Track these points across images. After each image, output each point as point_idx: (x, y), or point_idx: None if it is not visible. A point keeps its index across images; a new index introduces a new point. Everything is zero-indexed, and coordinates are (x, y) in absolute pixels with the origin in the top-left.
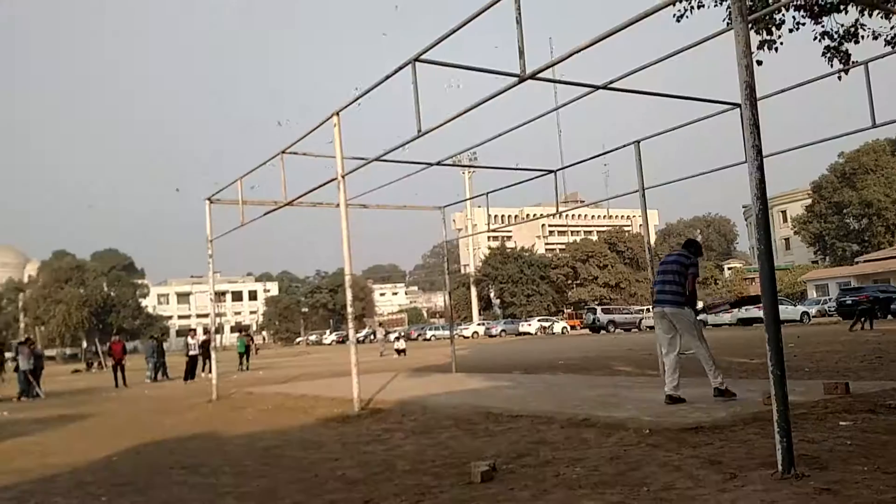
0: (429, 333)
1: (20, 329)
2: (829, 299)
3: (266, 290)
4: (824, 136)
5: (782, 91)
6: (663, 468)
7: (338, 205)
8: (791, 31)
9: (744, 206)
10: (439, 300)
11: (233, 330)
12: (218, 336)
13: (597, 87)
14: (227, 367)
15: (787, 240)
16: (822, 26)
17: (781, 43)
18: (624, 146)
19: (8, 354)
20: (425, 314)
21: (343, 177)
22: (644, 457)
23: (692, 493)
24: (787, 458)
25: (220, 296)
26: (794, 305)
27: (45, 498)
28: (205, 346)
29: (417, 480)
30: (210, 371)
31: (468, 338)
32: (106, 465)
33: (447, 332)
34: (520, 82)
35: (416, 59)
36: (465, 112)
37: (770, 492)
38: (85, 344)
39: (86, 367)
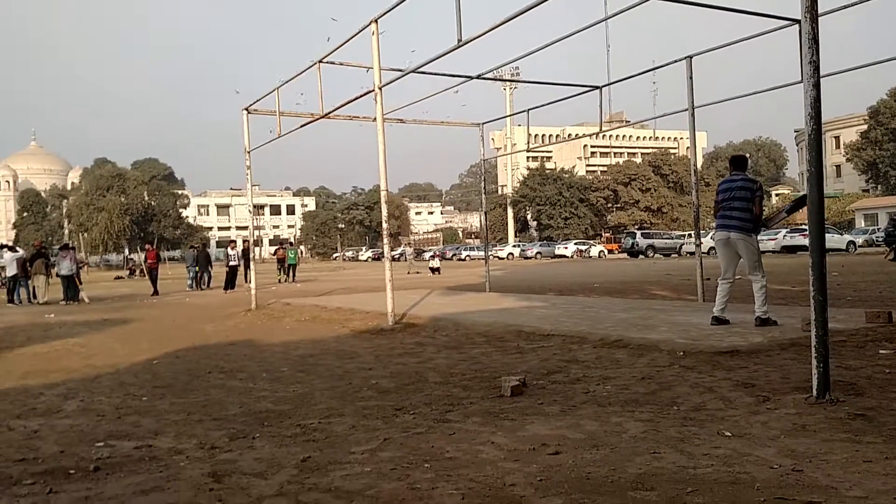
0: (464, 254)
1: (65, 235)
2: (878, 229)
3: (304, 206)
4: (887, 57)
5: (845, 7)
6: (695, 389)
7: (374, 118)
8: None
9: (795, 131)
10: (475, 220)
11: (271, 243)
12: (256, 249)
13: None
14: (266, 278)
15: (838, 167)
16: None
17: None
18: (675, 61)
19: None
20: (461, 234)
21: (380, 88)
22: (676, 378)
23: (722, 415)
24: (823, 382)
25: (258, 209)
26: (841, 234)
27: (89, 395)
28: (245, 256)
29: (448, 392)
30: (250, 281)
31: (503, 259)
32: (147, 368)
33: (482, 253)
34: None
35: None
36: (507, 20)
37: (802, 415)
38: (127, 251)
39: (128, 273)
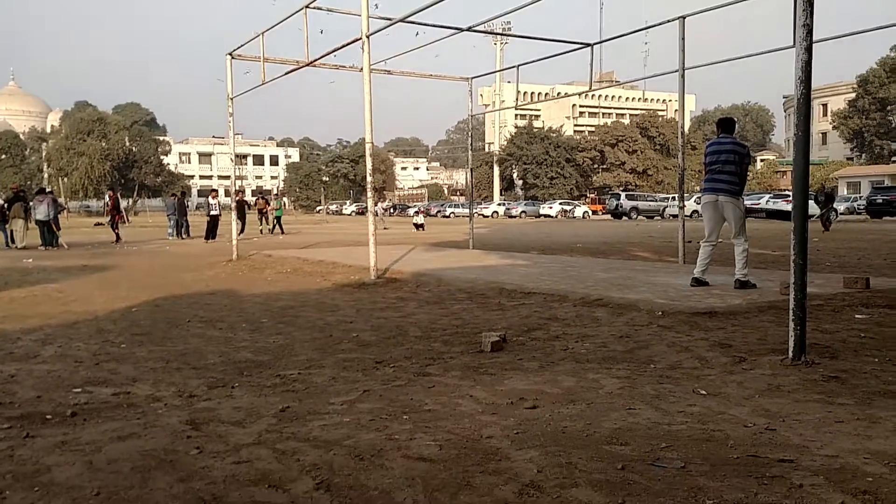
0: (448, 210)
1: (44, 179)
2: (860, 197)
3: (287, 157)
4: (879, 25)
5: None
6: (672, 348)
7: (361, 69)
8: None
9: (784, 97)
10: (461, 178)
11: (253, 193)
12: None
13: None
14: (249, 228)
15: (824, 134)
16: None
17: None
18: (668, 21)
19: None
20: (446, 191)
21: (368, 37)
22: (653, 337)
23: (698, 373)
24: (799, 345)
25: (241, 158)
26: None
27: (67, 342)
28: (240, 207)
29: (428, 346)
30: (242, 232)
31: (488, 217)
32: (125, 315)
33: (467, 210)
34: None
35: None
36: None
37: (777, 376)
38: (107, 197)
39: (108, 219)
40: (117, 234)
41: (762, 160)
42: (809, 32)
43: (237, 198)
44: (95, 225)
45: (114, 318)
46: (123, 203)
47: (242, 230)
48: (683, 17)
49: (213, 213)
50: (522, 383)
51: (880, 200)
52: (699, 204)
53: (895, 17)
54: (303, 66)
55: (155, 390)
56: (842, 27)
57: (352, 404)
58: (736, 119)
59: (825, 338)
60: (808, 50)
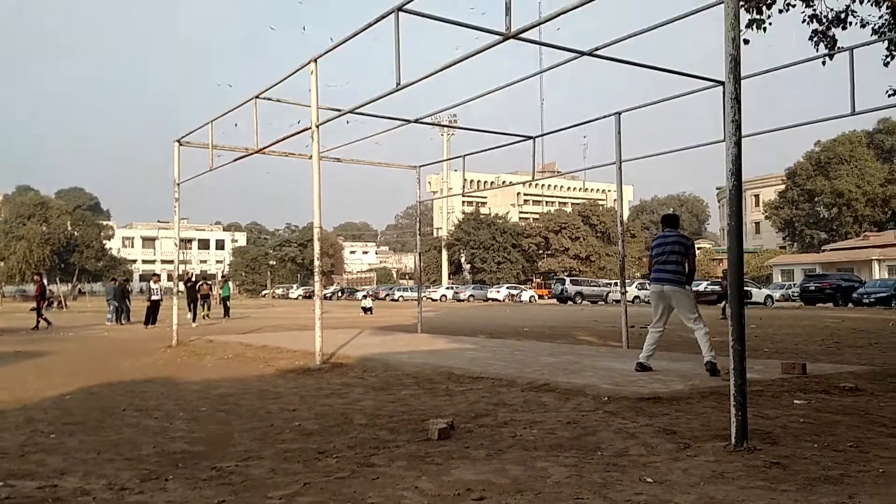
0: (397, 294)
1: None
2: (794, 284)
3: (234, 241)
4: (803, 121)
5: (767, 71)
6: (618, 435)
7: (311, 156)
8: (781, 11)
9: (717, 188)
10: (409, 262)
11: (196, 278)
12: (181, 283)
13: (582, 53)
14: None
15: (757, 224)
16: (813, 9)
17: (770, 23)
18: (605, 116)
19: None
20: (395, 275)
21: (317, 126)
22: (600, 423)
23: (645, 461)
24: (741, 431)
25: (186, 242)
26: (759, 288)
27: None
28: (193, 290)
29: (373, 434)
30: (207, 316)
31: (436, 300)
32: (57, 404)
33: (415, 294)
34: (504, 40)
35: (400, 8)
36: (445, 67)
37: (721, 463)
38: (45, 282)
39: (46, 304)
40: (38, 321)
41: (698, 248)
42: (738, 128)
43: (193, 280)
44: (31, 310)
45: (45, 407)
46: (64, 288)
47: (195, 315)
48: (619, 113)
49: (154, 297)
50: (469, 473)
51: (813, 287)
52: (645, 290)
53: (820, 113)
54: (252, 153)
55: (84, 483)
56: (771, 121)
57: (291, 499)
58: (671, 210)
59: (766, 423)
60: (738, 144)
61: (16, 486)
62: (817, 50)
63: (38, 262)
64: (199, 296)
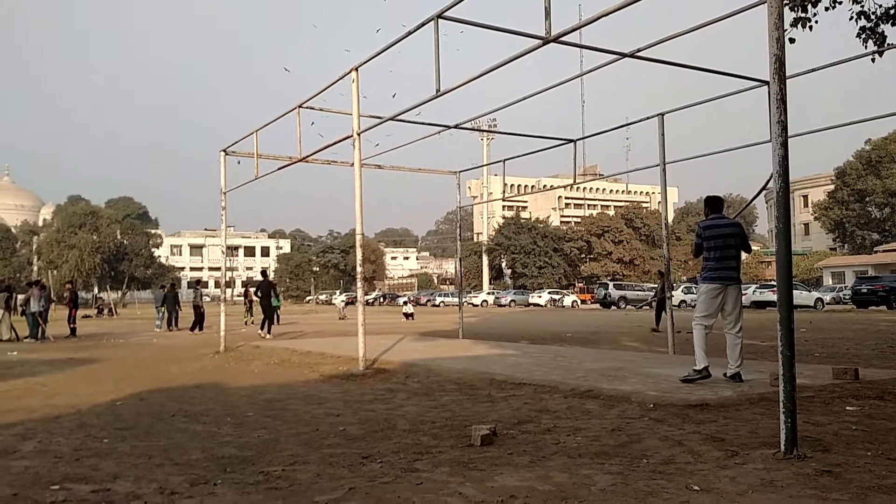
0: (438, 300)
1: (33, 272)
2: (845, 287)
3: (278, 248)
4: (852, 120)
5: (813, 70)
6: (664, 442)
7: (352, 164)
8: (827, 9)
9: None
10: (450, 267)
11: (243, 284)
12: (228, 290)
13: (623, 55)
14: (236, 320)
15: (806, 225)
16: (861, 5)
17: (816, 21)
18: (648, 118)
19: (20, 297)
20: (435, 280)
21: (359, 134)
22: (646, 430)
23: (691, 468)
24: (791, 438)
25: (232, 250)
26: (809, 291)
27: (48, 437)
28: (246, 296)
29: (417, 440)
30: (251, 322)
31: (477, 306)
32: (109, 409)
33: (456, 300)
34: (544, 44)
35: (440, 16)
36: (485, 73)
37: (770, 471)
38: (96, 290)
39: (97, 312)
40: (72, 329)
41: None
42: (784, 129)
43: (244, 288)
44: (84, 317)
45: (97, 412)
46: (114, 295)
47: (251, 319)
48: (662, 115)
49: (196, 304)
50: (513, 479)
51: (865, 290)
52: (691, 294)
53: (869, 111)
54: (295, 162)
55: (136, 487)
56: (819, 118)
57: (337, 503)
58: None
59: (817, 430)
60: (784, 145)
61: (71, 490)
62: (865, 47)
63: (88, 269)
64: (248, 302)
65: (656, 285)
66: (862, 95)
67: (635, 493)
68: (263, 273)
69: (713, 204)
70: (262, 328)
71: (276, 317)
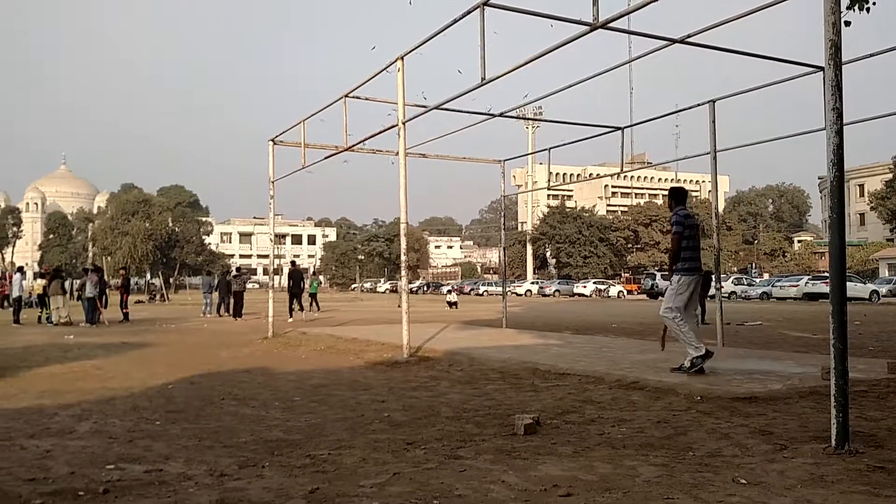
0: (482, 289)
1: (88, 258)
2: None
3: (325, 236)
4: None
5: (870, 56)
6: (711, 435)
7: (397, 153)
8: None
9: (819, 178)
10: (494, 256)
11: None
12: (276, 277)
13: (673, 41)
14: (283, 306)
15: (862, 215)
16: None
17: (874, 3)
18: (698, 105)
19: (76, 282)
20: (479, 269)
21: (404, 124)
22: (692, 422)
23: (738, 462)
24: (842, 433)
25: (280, 238)
26: (864, 283)
27: (103, 418)
28: (294, 279)
29: (460, 428)
30: (301, 308)
31: (521, 295)
32: (161, 393)
33: (500, 289)
34: (591, 30)
35: (485, 3)
36: (531, 60)
37: (820, 466)
38: (149, 276)
39: (149, 298)
40: (124, 313)
41: (799, 241)
42: (839, 116)
43: (294, 268)
44: (136, 303)
45: (150, 395)
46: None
47: (301, 306)
48: (713, 101)
49: (235, 289)
50: (556, 469)
51: None
52: (742, 286)
53: None
54: (342, 151)
55: (187, 468)
56: (876, 107)
57: (381, 487)
58: (769, 202)
59: (869, 426)
60: (839, 133)
61: (125, 469)
62: None
63: (141, 256)
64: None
65: None
66: None
67: (681, 486)
68: (293, 263)
69: (681, 196)
70: (291, 313)
71: (314, 303)
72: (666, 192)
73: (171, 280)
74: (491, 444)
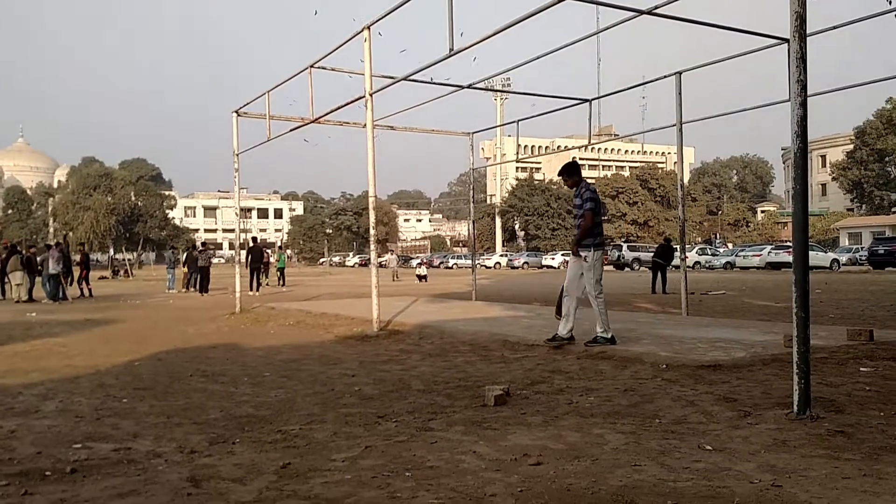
0: (451, 262)
1: (49, 233)
2: (861, 248)
3: (291, 210)
4: (874, 78)
5: (834, 27)
6: (677, 402)
7: (365, 125)
8: None
9: (783, 149)
10: (463, 229)
11: (242, 246)
12: (243, 252)
13: (641, 12)
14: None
15: (823, 185)
16: None
17: None
18: (665, 76)
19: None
20: (448, 242)
21: (371, 95)
22: (658, 390)
23: (704, 428)
24: (804, 399)
25: (245, 212)
26: (825, 252)
27: (68, 397)
28: (256, 257)
29: (431, 400)
30: (266, 283)
31: (490, 268)
32: (128, 369)
33: (469, 261)
34: (559, 1)
35: None
36: (499, 31)
37: (783, 431)
38: (112, 251)
39: (112, 274)
40: (86, 289)
41: (762, 211)
42: (804, 88)
43: (255, 246)
44: (99, 278)
45: (116, 373)
46: (129, 256)
47: (259, 282)
48: (679, 73)
49: (201, 264)
50: (526, 438)
51: (882, 251)
52: (706, 255)
53: (890, 70)
54: (308, 123)
55: (156, 446)
56: (838, 79)
57: (353, 461)
58: (733, 173)
59: (830, 391)
60: (803, 105)
61: (93, 448)
62: (890, 3)
63: (104, 231)
64: (263, 264)
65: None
66: (884, 53)
67: (648, 453)
68: (254, 240)
69: (579, 170)
70: (251, 287)
71: (281, 278)
72: (632, 165)
73: (136, 255)
74: (462, 415)
